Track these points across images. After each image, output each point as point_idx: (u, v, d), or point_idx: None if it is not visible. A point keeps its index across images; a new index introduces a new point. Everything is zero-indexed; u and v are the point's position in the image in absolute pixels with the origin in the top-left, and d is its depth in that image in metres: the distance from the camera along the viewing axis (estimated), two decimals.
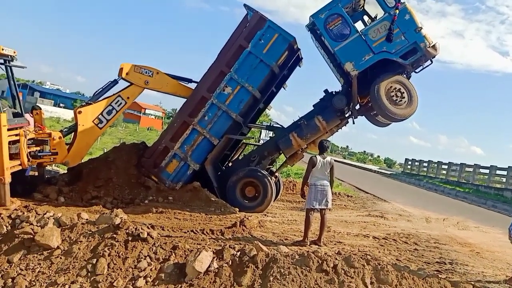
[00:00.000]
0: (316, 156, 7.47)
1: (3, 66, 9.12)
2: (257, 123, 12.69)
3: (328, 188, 7.38)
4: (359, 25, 10.62)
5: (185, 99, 10.63)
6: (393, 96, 9.74)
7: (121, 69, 10.41)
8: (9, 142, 8.31)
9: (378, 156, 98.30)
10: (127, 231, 5.85)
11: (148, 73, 10.59)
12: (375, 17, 10.44)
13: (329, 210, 7.69)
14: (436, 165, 35.22)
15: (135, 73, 10.48)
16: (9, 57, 9.08)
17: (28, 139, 9.03)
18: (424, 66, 10.10)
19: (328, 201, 7.37)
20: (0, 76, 12.41)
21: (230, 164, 12.09)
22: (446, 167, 33.44)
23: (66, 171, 10.42)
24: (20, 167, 8.79)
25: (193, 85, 10.95)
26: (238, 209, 9.76)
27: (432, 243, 8.67)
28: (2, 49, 8.67)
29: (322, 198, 7.32)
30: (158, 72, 10.70)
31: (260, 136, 15.18)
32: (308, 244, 7.27)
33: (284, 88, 11.73)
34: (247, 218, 8.09)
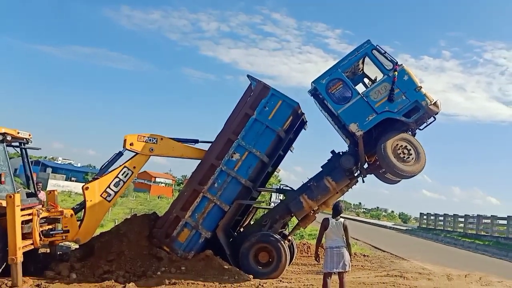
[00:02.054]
0: (329, 218, 7.44)
1: (18, 148, 9.49)
2: (266, 186, 12.73)
3: (345, 249, 7.28)
4: (360, 88, 10.96)
5: (195, 166, 10.77)
6: (400, 153, 9.84)
7: (125, 141, 10.62)
8: (22, 222, 8.45)
9: (392, 212, 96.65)
10: None
11: (152, 140, 10.78)
12: (375, 79, 10.80)
13: (347, 272, 7.52)
14: (452, 218, 34.54)
15: (139, 142, 10.68)
16: (24, 140, 9.48)
17: (41, 218, 9.15)
18: (428, 123, 10.28)
19: (346, 264, 7.25)
20: (13, 154, 12.82)
21: (241, 230, 12.00)
22: (463, 219, 32.77)
23: (78, 247, 10.37)
24: (32, 246, 8.85)
25: (200, 145, 11.14)
26: (252, 276, 9.59)
27: None
28: (18, 133, 9.06)
29: (339, 261, 7.21)
30: (162, 138, 10.90)
31: (270, 199, 15.14)
32: None
33: (291, 151, 11.88)
34: (262, 286, 7.96)
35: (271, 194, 15.40)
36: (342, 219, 7.41)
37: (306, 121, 11.55)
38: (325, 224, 7.37)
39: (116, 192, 10.49)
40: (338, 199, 10.80)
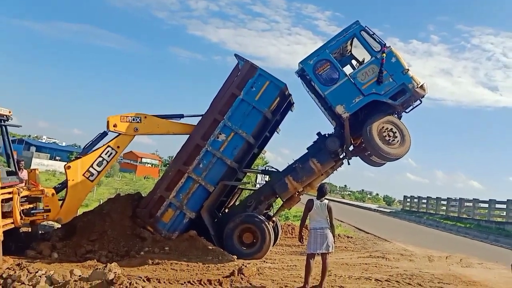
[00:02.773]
0: (313, 199, 7.44)
1: None
2: (252, 167, 12.70)
3: (328, 231, 7.28)
4: (347, 69, 10.88)
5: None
6: (386, 136, 9.85)
7: (108, 122, 10.45)
8: (2, 200, 8.33)
9: (377, 194, 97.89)
10: (121, 286, 5.75)
11: (136, 119, 10.62)
12: (363, 61, 10.74)
13: (331, 253, 7.56)
14: (435, 201, 35.09)
15: (123, 123, 10.52)
16: (4, 116, 9.24)
17: (22, 197, 9.00)
18: (414, 105, 10.28)
19: (329, 245, 7.26)
20: None
21: (226, 211, 12.00)
22: (445, 203, 33.33)
23: (60, 226, 10.26)
24: (12, 225, 8.73)
25: (185, 120, 11.06)
26: (236, 257, 9.60)
27: (436, 283, 8.49)
28: None
29: (323, 242, 7.22)
30: (146, 116, 10.75)
31: (256, 181, 15.15)
32: None
33: (278, 133, 11.83)
34: (245, 266, 7.94)
35: (256, 176, 15.39)
36: (326, 201, 7.40)
37: (293, 103, 11.47)
38: (309, 206, 7.36)
39: (99, 172, 10.36)
40: (323, 181, 10.83)
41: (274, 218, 11.51)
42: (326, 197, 7.55)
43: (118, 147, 10.52)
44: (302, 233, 7.83)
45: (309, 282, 7.21)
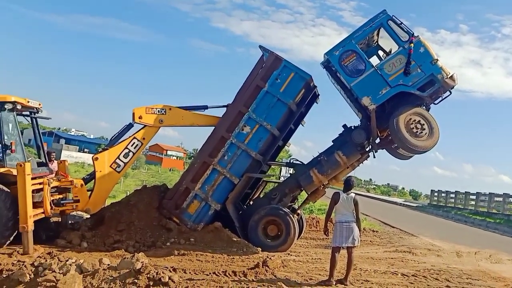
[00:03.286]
0: (340, 192, 7.36)
1: (29, 118, 9.50)
2: (276, 160, 12.67)
3: (354, 224, 7.19)
4: (374, 60, 10.68)
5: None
6: (413, 128, 9.66)
7: (133, 114, 10.54)
8: (33, 191, 8.53)
9: (403, 188, 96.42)
10: (148, 275, 5.84)
11: (161, 111, 10.68)
12: (390, 51, 10.50)
13: (356, 247, 7.48)
14: (463, 195, 34.30)
15: (148, 115, 10.60)
16: (35, 109, 9.48)
17: (52, 187, 9.22)
18: (443, 97, 10.04)
19: (355, 239, 7.17)
20: (26, 125, 13.06)
21: (251, 203, 12.02)
22: (474, 197, 32.54)
23: (89, 216, 10.50)
24: (43, 215, 8.96)
25: (209, 111, 11.10)
26: (260, 249, 9.61)
27: (464, 279, 8.32)
28: (28, 102, 9.06)
29: (348, 236, 7.14)
30: (171, 108, 10.80)
31: (280, 173, 15.10)
32: (334, 283, 7.08)
33: (302, 125, 11.75)
34: (270, 258, 7.93)
35: (280, 168, 15.34)
36: (353, 194, 7.31)
37: (319, 94, 11.36)
38: (335, 198, 7.28)
39: (125, 163, 10.50)
40: (349, 174, 10.71)
41: (298, 211, 11.48)
42: (353, 190, 7.47)
43: (143, 138, 10.62)
44: (327, 226, 7.76)
45: (334, 276, 7.17)
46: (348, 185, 7.45)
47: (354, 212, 7.23)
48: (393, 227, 18.18)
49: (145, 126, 10.64)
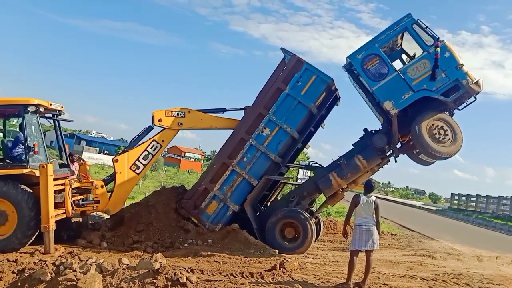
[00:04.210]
0: (360, 195, 7.29)
1: (51, 120, 9.67)
2: (295, 162, 12.62)
3: (374, 228, 7.12)
4: (397, 64, 10.55)
5: (224, 140, 10.75)
6: (436, 134, 9.50)
7: (153, 117, 10.65)
8: (55, 191, 8.68)
9: (423, 191, 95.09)
10: (166, 276, 5.90)
11: (180, 114, 10.76)
12: (414, 55, 10.35)
13: (375, 251, 7.41)
14: (485, 199, 33.62)
15: (168, 118, 10.68)
16: (57, 111, 9.65)
17: (73, 188, 9.39)
18: (467, 103, 9.83)
19: (375, 242, 7.10)
20: (49, 127, 13.33)
21: (269, 205, 12.01)
22: (496, 201, 31.87)
23: (109, 217, 10.65)
24: (64, 215, 9.12)
25: (227, 114, 11.11)
26: (278, 251, 9.64)
27: (485, 283, 8.16)
28: (51, 104, 9.22)
29: (368, 239, 7.07)
30: (190, 111, 10.87)
31: (298, 176, 15.06)
32: (352, 286, 7.04)
33: (322, 127, 11.68)
34: (287, 260, 7.94)
35: (298, 171, 15.28)
36: (373, 197, 7.22)
37: (340, 97, 11.27)
38: (355, 201, 7.21)
39: (145, 165, 10.63)
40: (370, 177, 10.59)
41: (316, 214, 11.42)
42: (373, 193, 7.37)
43: (163, 141, 10.72)
44: (346, 229, 7.69)
45: (352, 278, 7.11)
46: (369, 187, 7.37)
47: (374, 215, 7.15)
48: (412, 230, 17.98)
49: (164, 128, 10.74)
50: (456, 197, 39.65)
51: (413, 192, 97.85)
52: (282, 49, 10.61)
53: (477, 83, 9.39)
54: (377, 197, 7.48)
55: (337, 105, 11.45)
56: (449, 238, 16.02)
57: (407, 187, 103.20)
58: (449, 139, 9.55)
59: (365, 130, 10.51)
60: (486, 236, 20.77)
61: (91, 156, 54.36)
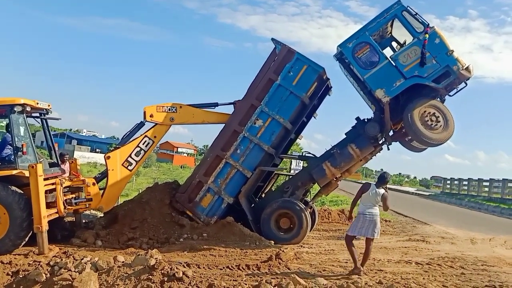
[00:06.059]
0: (371, 184, 7.32)
1: (38, 119, 9.53)
2: (288, 153, 12.62)
3: (377, 217, 7.19)
4: (388, 52, 10.53)
5: (217, 133, 10.70)
6: (428, 120, 9.52)
7: (144, 113, 10.56)
8: (46, 191, 8.58)
9: (415, 177, 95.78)
10: (162, 271, 5.90)
11: (172, 109, 10.70)
12: (404, 42, 10.31)
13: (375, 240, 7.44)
14: (476, 182, 33.94)
15: (159, 113, 10.61)
16: (44, 110, 9.49)
17: (64, 187, 9.28)
18: (458, 88, 9.84)
19: (376, 231, 7.16)
20: (39, 128, 13.17)
21: (263, 196, 12.01)
22: (487, 184, 32.18)
23: (102, 215, 10.59)
24: (57, 215, 9.02)
25: (219, 109, 11.05)
26: (273, 242, 9.66)
27: (479, 265, 8.26)
28: (37, 103, 9.07)
29: (369, 227, 7.12)
30: (181, 106, 10.79)
31: (291, 166, 15.03)
32: (362, 268, 7.09)
33: (315, 117, 11.67)
34: (283, 251, 7.97)
35: (291, 161, 15.28)
36: (383, 190, 7.21)
37: (331, 87, 11.25)
38: (364, 188, 7.25)
39: (137, 161, 10.56)
40: (366, 166, 10.63)
41: (311, 204, 11.45)
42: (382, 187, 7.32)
43: (155, 136, 10.66)
44: (352, 214, 7.69)
45: (357, 261, 7.14)
46: (382, 180, 7.35)
47: (378, 206, 7.21)
48: (406, 216, 18.06)
49: (156, 124, 10.66)
50: (449, 182, 40.00)
51: (392, 175, 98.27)
52: (272, 39, 10.54)
53: (467, 68, 9.40)
54: (389, 188, 7.43)
55: (329, 95, 11.42)
56: (442, 222, 16.13)
57: (400, 173, 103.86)
58: (441, 126, 9.57)
59: (357, 118, 10.49)
60: (479, 219, 20.96)
61: (83, 155, 54.05)
